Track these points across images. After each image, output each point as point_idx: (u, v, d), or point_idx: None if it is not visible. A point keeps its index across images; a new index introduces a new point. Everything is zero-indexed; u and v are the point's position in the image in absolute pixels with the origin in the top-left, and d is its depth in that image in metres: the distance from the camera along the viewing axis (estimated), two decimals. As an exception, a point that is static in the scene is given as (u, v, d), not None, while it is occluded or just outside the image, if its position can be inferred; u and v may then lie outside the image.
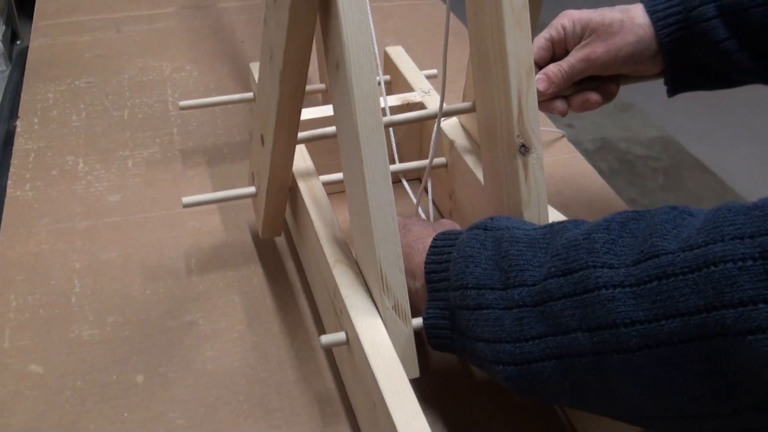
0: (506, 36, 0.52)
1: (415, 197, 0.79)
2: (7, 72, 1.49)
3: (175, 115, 0.93)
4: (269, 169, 0.62)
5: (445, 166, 0.73)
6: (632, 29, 0.66)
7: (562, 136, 0.91)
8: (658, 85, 0.71)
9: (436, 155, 0.71)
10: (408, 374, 0.49)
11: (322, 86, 0.87)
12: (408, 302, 0.52)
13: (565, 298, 0.43)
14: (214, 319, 0.66)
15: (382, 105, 0.74)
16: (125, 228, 0.76)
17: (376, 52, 0.50)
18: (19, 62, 1.29)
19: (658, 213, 0.43)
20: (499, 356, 0.46)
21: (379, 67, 0.85)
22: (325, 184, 0.67)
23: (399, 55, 0.86)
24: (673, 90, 0.70)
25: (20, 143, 0.88)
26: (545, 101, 0.68)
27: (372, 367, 0.49)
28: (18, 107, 0.95)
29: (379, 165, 0.50)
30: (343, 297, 0.54)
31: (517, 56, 0.53)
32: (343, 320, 0.55)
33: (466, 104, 0.65)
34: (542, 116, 0.92)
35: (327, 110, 0.76)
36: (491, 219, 0.52)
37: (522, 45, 0.53)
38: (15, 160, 0.85)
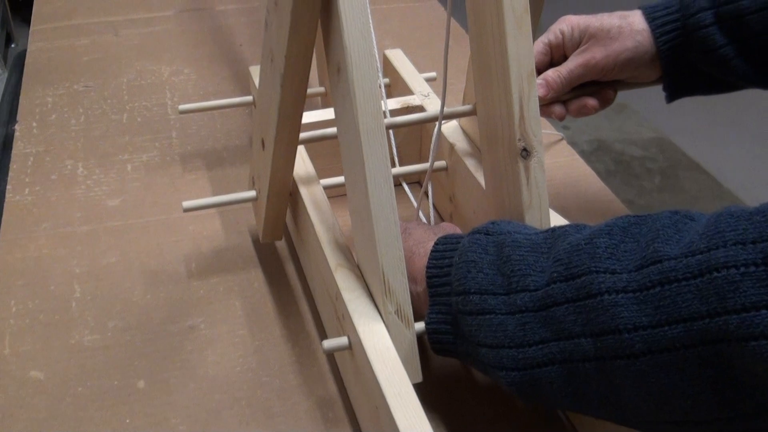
0: (507, 40, 0.52)
1: (416, 200, 0.79)
2: (4, 76, 1.48)
3: (174, 119, 0.93)
4: (270, 173, 0.62)
5: (445, 169, 0.73)
6: (631, 35, 0.67)
7: (561, 139, 0.91)
8: (654, 87, 0.71)
9: (436, 158, 0.70)
10: (411, 379, 0.49)
11: (321, 89, 0.87)
12: (410, 306, 0.52)
13: (568, 304, 0.43)
14: (215, 323, 0.66)
15: (383, 108, 0.74)
16: (125, 232, 0.76)
17: (376, 56, 0.50)
18: (16, 66, 1.29)
19: (660, 218, 0.43)
20: (502, 361, 0.46)
21: (379, 70, 0.85)
22: (325, 187, 0.67)
23: (398, 58, 0.86)
24: (672, 96, 0.71)
25: (19, 147, 0.88)
26: (543, 106, 0.68)
27: (375, 372, 0.49)
28: (16, 111, 0.95)
29: (380, 168, 0.50)
30: (345, 301, 0.54)
31: (518, 60, 0.53)
32: (345, 325, 0.55)
33: (467, 107, 0.65)
34: (541, 119, 0.92)
35: (327, 113, 0.76)
36: (492, 223, 0.52)
37: (523, 48, 0.52)
38: (14, 165, 0.85)
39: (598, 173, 0.88)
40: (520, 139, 0.54)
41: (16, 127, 0.92)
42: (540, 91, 0.66)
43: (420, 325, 0.52)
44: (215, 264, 0.72)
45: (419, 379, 0.52)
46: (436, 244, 0.53)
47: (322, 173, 0.69)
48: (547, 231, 0.49)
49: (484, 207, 0.66)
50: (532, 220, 0.55)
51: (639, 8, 0.69)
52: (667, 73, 0.68)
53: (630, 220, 0.44)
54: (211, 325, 0.66)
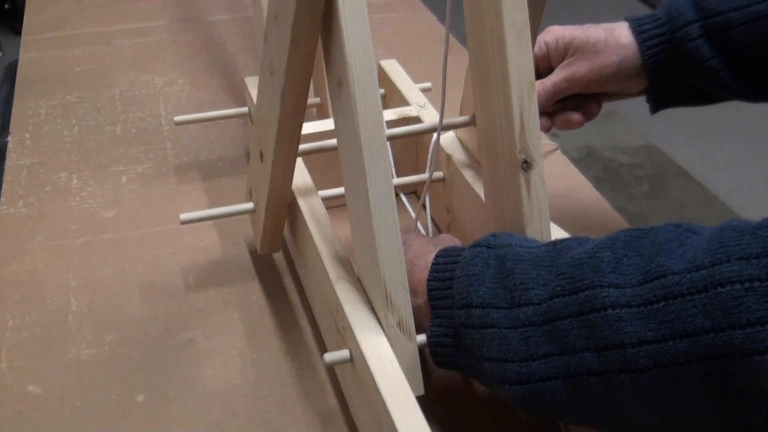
0: (508, 53, 0.52)
1: (413, 212, 0.79)
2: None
3: (168, 130, 0.93)
4: (269, 185, 0.62)
5: (442, 179, 0.73)
6: (616, 49, 0.67)
7: (556, 149, 0.92)
8: (643, 95, 0.72)
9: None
10: (413, 391, 0.49)
11: (317, 100, 0.87)
12: (412, 319, 0.52)
13: (572, 318, 0.43)
14: (214, 336, 0.66)
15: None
16: (121, 245, 0.75)
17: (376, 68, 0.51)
18: (8, 76, 1.28)
19: (662, 231, 0.43)
20: (505, 375, 0.46)
21: (374, 80, 0.85)
22: (324, 199, 0.67)
23: (393, 68, 0.86)
24: (656, 107, 0.71)
25: (12, 159, 0.87)
26: None
27: (378, 385, 0.49)
28: (9, 123, 0.94)
29: (382, 181, 0.50)
30: (346, 314, 0.54)
31: (518, 72, 0.53)
32: (346, 337, 0.55)
33: (465, 118, 0.65)
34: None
35: (324, 125, 0.76)
36: (493, 236, 0.52)
37: (523, 61, 0.53)
38: (7, 177, 0.84)
39: (588, 181, 0.88)
40: (520, 152, 0.54)
41: (9, 138, 0.91)
42: None
43: (421, 338, 0.52)
44: (213, 276, 0.72)
45: (421, 391, 0.52)
46: (437, 256, 0.53)
47: (319, 184, 0.69)
48: (549, 244, 0.49)
49: (481, 218, 0.66)
50: (533, 232, 0.55)
51: (625, 19, 0.69)
52: (653, 85, 0.69)
53: (632, 234, 0.44)
54: (210, 337, 0.66)
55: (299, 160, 0.69)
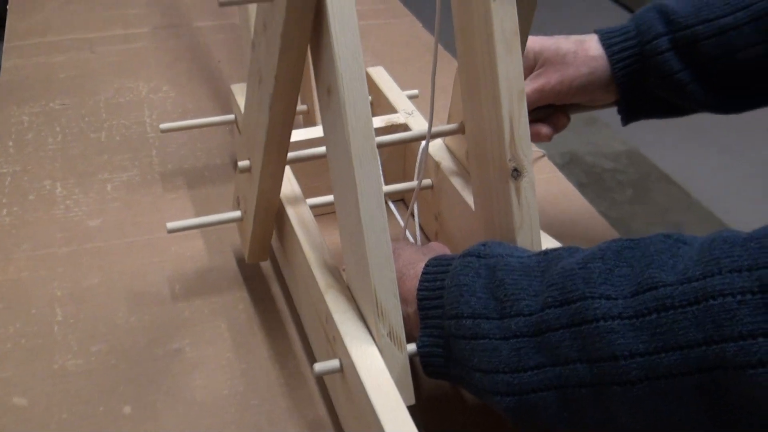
0: (498, 62, 0.52)
1: (402, 219, 0.79)
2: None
3: (153, 137, 0.92)
4: (257, 194, 0.61)
5: (431, 187, 0.73)
6: (585, 61, 0.68)
7: (543, 155, 0.92)
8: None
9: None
10: (404, 401, 0.49)
11: (304, 107, 0.87)
12: (403, 328, 0.52)
13: (563, 329, 0.43)
14: (201, 346, 0.65)
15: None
16: (107, 253, 0.75)
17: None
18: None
19: (653, 242, 0.43)
20: (496, 386, 0.46)
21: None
22: (312, 207, 0.67)
23: (380, 75, 0.86)
24: (627, 119, 0.72)
25: (-5, 167, 0.86)
26: None
27: (369, 395, 0.48)
28: (-9, 130, 0.93)
29: (372, 189, 0.50)
30: (336, 323, 0.53)
31: (508, 80, 0.53)
32: (336, 347, 0.54)
33: (454, 126, 0.65)
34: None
35: (311, 132, 0.76)
36: (483, 245, 0.51)
37: (513, 70, 0.53)
38: (-10, 185, 0.83)
39: (575, 188, 0.88)
40: (510, 160, 0.54)
41: (-8, 145, 0.90)
42: None
43: (411, 347, 0.52)
44: (199, 285, 0.72)
45: (412, 401, 0.52)
46: (426, 265, 0.53)
47: (307, 192, 0.68)
48: (539, 254, 0.49)
49: (470, 225, 0.66)
50: (523, 241, 0.55)
51: (595, 32, 0.70)
52: (623, 98, 0.69)
53: (623, 244, 0.44)
54: (197, 347, 0.65)
55: (287, 168, 0.68)
